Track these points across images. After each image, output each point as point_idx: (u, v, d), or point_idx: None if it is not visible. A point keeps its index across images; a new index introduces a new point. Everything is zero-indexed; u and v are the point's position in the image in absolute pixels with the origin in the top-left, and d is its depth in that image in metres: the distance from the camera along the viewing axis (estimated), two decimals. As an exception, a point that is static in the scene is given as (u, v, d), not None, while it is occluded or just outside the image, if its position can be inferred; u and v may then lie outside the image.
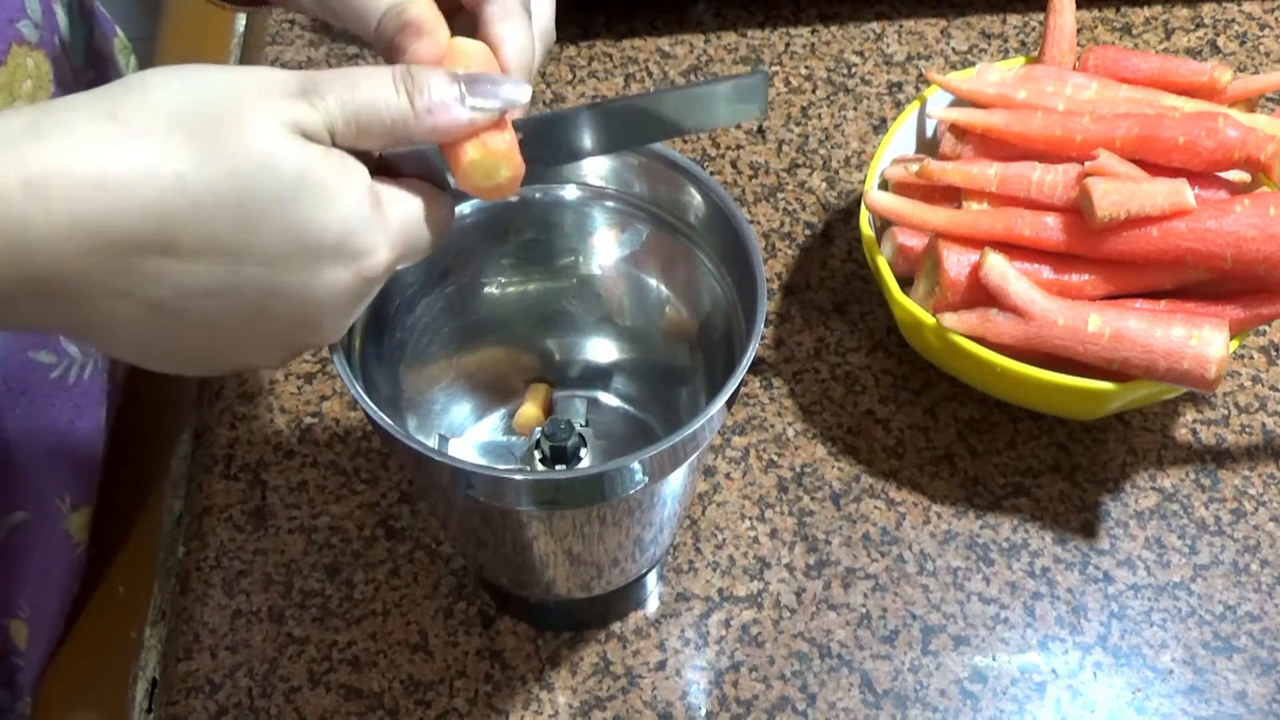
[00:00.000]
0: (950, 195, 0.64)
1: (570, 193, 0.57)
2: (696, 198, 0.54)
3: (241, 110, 0.39)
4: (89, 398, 0.63)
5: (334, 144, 0.41)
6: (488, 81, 0.42)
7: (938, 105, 0.69)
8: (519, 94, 0.43)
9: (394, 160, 0.44)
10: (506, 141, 0.44)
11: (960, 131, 0.65)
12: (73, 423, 0.62)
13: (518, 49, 0.46)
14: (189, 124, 0.38)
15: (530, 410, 0.63)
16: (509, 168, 0.44)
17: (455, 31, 0.46)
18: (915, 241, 0.64)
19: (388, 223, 0.42)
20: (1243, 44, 0.83)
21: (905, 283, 0.64)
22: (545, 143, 0.46)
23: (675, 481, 0.52)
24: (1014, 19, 0.85)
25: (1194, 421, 0.68)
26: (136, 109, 0.38)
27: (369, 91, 0.41)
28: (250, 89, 0.39)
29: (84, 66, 0.63)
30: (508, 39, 0.46)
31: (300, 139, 0.40)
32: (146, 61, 0.80)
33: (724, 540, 0.64)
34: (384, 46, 0.45)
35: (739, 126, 0.79)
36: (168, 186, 0.38)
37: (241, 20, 0.88)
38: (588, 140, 0.46)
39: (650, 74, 0.82)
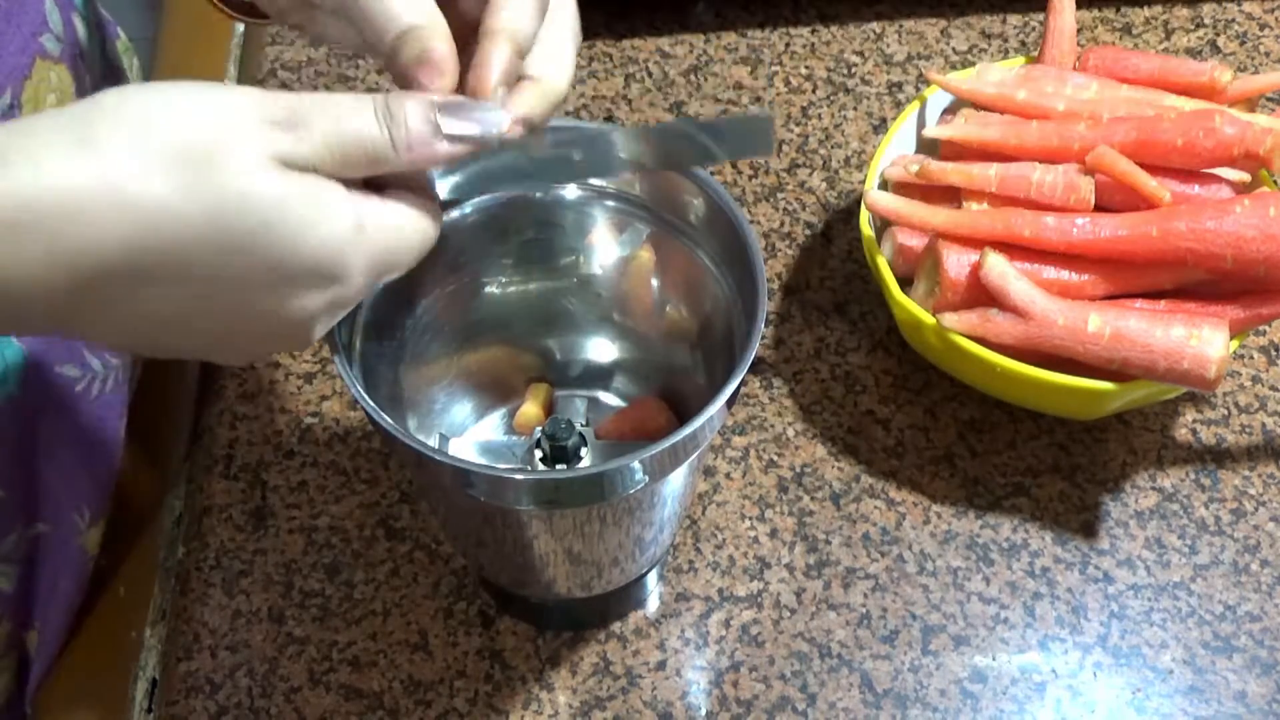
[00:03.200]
0: (950, 195, 0.64)
1: (570, 192, 0.57)
2: (697, 198, 0.54)
3: (224, 143, 0.38)
4: (110, 411, 0.63)
5: (316, 172, 0.40)
6: (466, 111, 0.42)
7: (938, 105, 0.70)
8: (498, 124, 0.43)
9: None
10: None
11: (956, 147, 0.65)
12: (93, 436, 0.62)
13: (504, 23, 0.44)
14: (167, 154, 0.37)
15: (531, 409, 0.63)
16: None
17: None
18: (915, 241, 0.64)
19: (368, 248, 0.42)
20: (1243, 44, 0.83)
21: (905, 283, 0.64)
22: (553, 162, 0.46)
23: (675, 481, 0.52)
24: (1014, 19, 0.85)
25: (1194, 421, 0.68)
26: (109, 135, 0.37)
27: (352, 126, 0.40)
28: (235, 118, 0.39)
29: (101, 76, 0.63)
30: (504, 27, 0.44)
31: (281, 170, 0.39)
32: (147, 63, 0.80)
33: (724, 540, 0.64)
34: (396, 70, 0.45)
35: (739, 126, 0.79)
36: (143, 221, 0.37)
37: (241, 20, 0.88)
38: (607, 162, 0.46)
39: (650, 74, 0.82)
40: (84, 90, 0.59)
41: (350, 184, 0.41)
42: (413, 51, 0.44)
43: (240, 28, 0.87)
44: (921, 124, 0.70)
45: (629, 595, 0.61)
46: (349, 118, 0.40)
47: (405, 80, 0.44)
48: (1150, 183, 0.60)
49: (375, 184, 0.43)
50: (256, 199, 0.38)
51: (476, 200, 0.56)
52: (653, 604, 0.62)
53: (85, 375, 0.61)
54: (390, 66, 0.45)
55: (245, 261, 0.39)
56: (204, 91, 0.39)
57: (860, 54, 0.83)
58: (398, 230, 0.43)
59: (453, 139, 0.42)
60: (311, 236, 0.40)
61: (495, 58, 0.44)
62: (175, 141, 0.38)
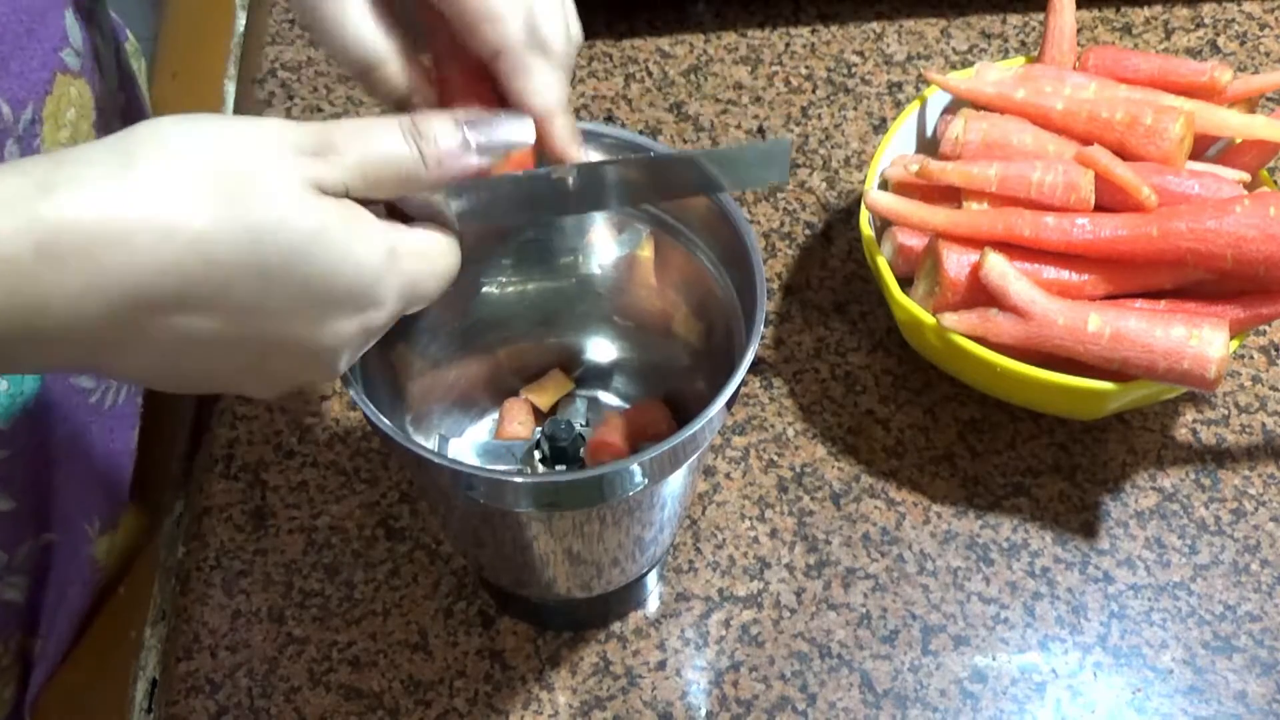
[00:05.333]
0: (950, 195, 0.64)
1: (570, 193, 0.57)
2: (696, 198, 0.54)
3: (259, 170, 0.39)
4: (122, 421, 0.63)
5: (348, 197, 0.41)
6: (490, 124, 0.44)
7: (938, 105, 0.70)
8: (522, 133, 0.44)
9: (403, 203, 0.45)
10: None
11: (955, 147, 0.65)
12: (107, 446, 0.62)
13: (542, 99, 0.46)
14: (207, 181, 0.38)
15: (542, 395, 0.63)
16: None
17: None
18: (915, 241, 0.64)
19: (400, 274, 0.42)
20: (1243, 44, 0.83)
21: (905, 283, 0.64)
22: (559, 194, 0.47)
23: (675, 482, 0.52)
24: (1014, 19, 0.85)
25: (1194, 421, 0.68)
26: (152, 163, 0.37)
27: (382, 146, 0.41)
28: (268, 147, 0.39)
29: (117, 89, 0.63)
30: (526, 92, 0.46)
31: (317, 196, 0.40)
32: (148, 63, 0.80)
33: (724, 540, 0.64)
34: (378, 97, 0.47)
35: (738, 125, 0.79)
36: (185, 246, 0.37)
37: (241, 20, 0.88)
38: (609, 192, 0.47)
39: (650, 74, 0.82)
40: (101, 102, 0.59)
41: (378, 213, 0.42)
42: (382, 92, 0.46)
43: (240, 27, 0.87)
44: (922, 124, 0.70)
45: (629, 595, 0.61)
46: (379, 138, 0.41)
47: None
48: (1137, 181, 0.60)
49: (399, 217, 0.44)
50: (294, 224, 0.39)
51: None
52: (653, 604, 0.62)
53: (99, 386, 0.61)
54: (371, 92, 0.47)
55: (283, 287, 0.39)
56: (235, 122, 0.40)
57: (860, 54, 0.83)
58: (426, 258, 0.44)
59: (482, 149, 0.43)
60: (349, 262, 0.40)
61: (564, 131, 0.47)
62: (213, 169, 0.38)
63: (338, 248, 0.40)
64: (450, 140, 0.42)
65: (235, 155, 0.39)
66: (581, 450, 0.58)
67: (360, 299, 0.41)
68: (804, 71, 0.82)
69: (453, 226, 0.45)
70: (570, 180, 0.46)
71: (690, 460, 0.51)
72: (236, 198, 0.38)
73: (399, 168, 0.42)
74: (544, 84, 0.46)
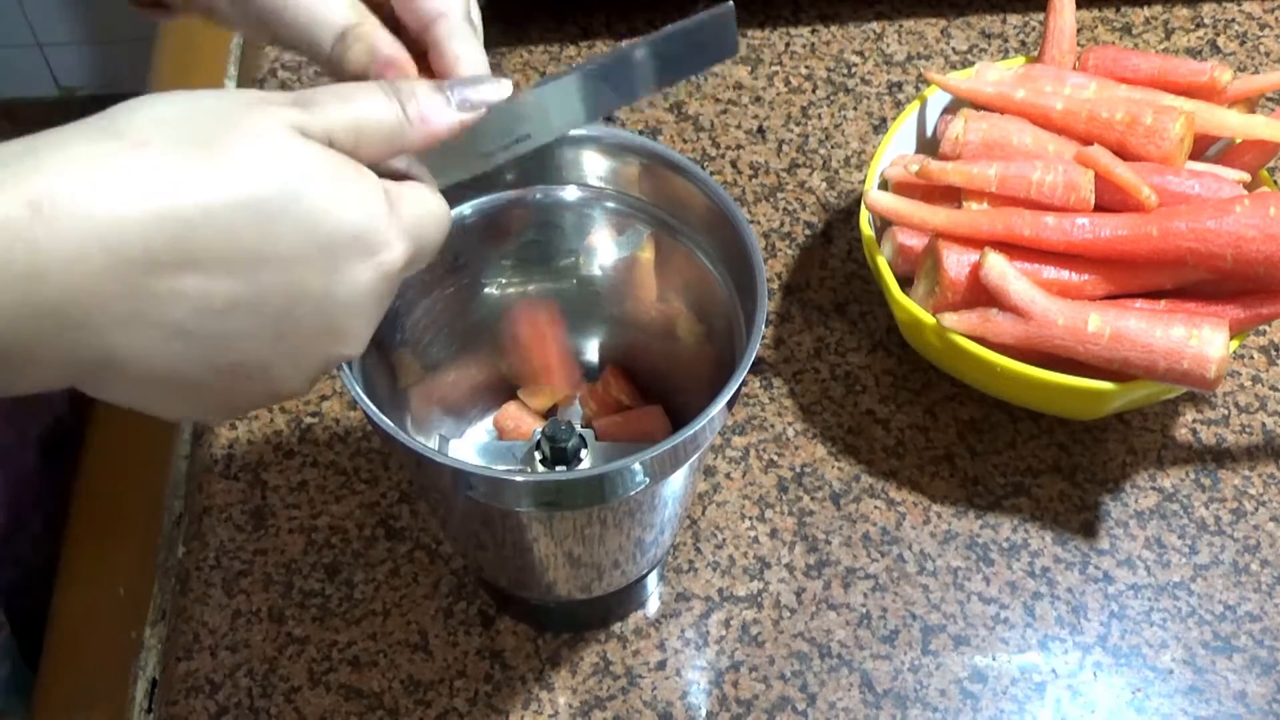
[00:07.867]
0: (950, 195, 0.64)
1: (570, 193, 0.57)
2: (697, 198, 0.54)
3: (242, 117, 0.38)
4: None
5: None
6: (470, 84, 0.44)
7: (938, 105, 0.70)
8: (500, 91, 0.44)
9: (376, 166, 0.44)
10: None
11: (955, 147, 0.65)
12: None
13: (473, 65, 0.47)
14: (190, 133, 0.38)
15: (540, 398, 0.63)
16: None
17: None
18: (915, 241, 0.64)
19: (401, 217, 0.42)
20: (1243, 44, 0.83)
21: (905, 283, 0.64)
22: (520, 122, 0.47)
23: (676, 482, 0.52)
24: (1014, 19, 0.85)
25: (1194, 421, 0.68)
26: (134, 124, 0.37)
27: (364, 105, 0.41)
28: (245, 101, 0.39)
29: None
30: (463, 58, 0.47)
31: (303, 139, 0.39)
32: (147, 63, 0.80)
33: (724, 540, 0.64)
34: (347, 72, 0.46)
35: (738, 126, 0.79)
36: (177, 195, 0.37)
37: (241, 20, 0.88)
38: (565, 112, 0.47)
39: (650, 74, 0.82)
40: None
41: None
42: (361, 52, 0.46)
43: (240, 27, 0.87)
44: (922, 124, 0.70)
45: (629, 596, 0.61)
46: (361, 98, 0.41)
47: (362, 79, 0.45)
48: (1137, 181, 0.60)
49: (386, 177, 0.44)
50: (286, 164, 0.38)
51: (476, 202, 0.56)
52: (653, 604, 0.62)
53: None
54: (335, 69, 0.46)
55: (286, 234, 0.38)
56: (209, 90, 0.40)
57: (860, 54, 0.83)
58: (421, 201, 0.43)
59: (463, 105, 0.43)
60: (346, 202, 0.40)
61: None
62: (195, 122, 0.38)
63: (333, 185, 0.39)
64: (433, 99, 0.43)
65: (216, 108, 0.39)
66: (581, 452, 0.58)
67: (366, 240, 0.40)
68: (804, 71, 0.82)
69: (435, 185, 0.45)
70: (531, 105, 0.46)
71: (691, 460, 0.51)
72: (223, 144, 0.38)
73: (383, 125, 0.42)
74: (475, 51, 0.47)
